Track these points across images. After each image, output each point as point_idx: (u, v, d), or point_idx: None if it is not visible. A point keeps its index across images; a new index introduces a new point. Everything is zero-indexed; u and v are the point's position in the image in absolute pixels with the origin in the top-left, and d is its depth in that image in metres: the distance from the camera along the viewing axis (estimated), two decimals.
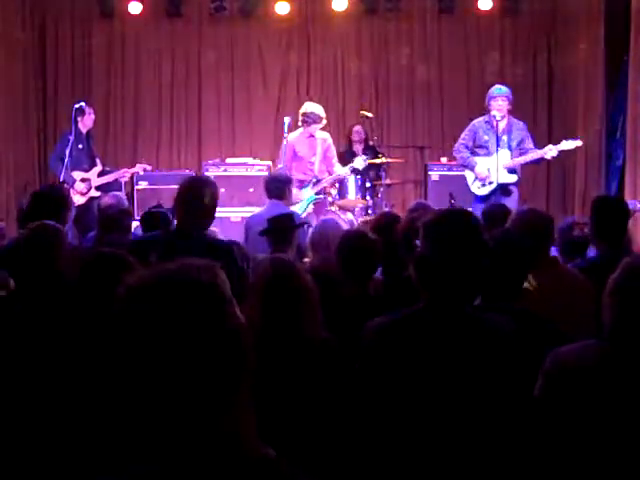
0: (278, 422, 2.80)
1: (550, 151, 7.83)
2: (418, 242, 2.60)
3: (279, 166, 8.58)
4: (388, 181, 9.38)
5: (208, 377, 1.36)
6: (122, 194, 7.24)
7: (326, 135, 8.56)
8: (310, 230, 5.38)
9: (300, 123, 8.38)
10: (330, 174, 8.46)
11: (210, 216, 4.33)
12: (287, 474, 1.39)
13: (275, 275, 3.02)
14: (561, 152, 7.96)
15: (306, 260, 5.18)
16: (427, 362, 2.47)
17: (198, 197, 4.24)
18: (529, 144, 7.99)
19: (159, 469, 1.34)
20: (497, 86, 8.14)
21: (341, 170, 8.43)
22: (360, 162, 8.42)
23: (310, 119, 8.29)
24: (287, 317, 2.96)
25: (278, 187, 6.68)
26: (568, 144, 7.90)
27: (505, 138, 7.90)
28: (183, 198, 4.29)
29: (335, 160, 8.57)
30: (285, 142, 8.45)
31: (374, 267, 4.11)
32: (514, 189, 7.98)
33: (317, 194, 8.33)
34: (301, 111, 8.38)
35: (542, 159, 7.96)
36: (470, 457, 2.42)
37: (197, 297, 1.38)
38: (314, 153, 8.40)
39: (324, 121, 8.37)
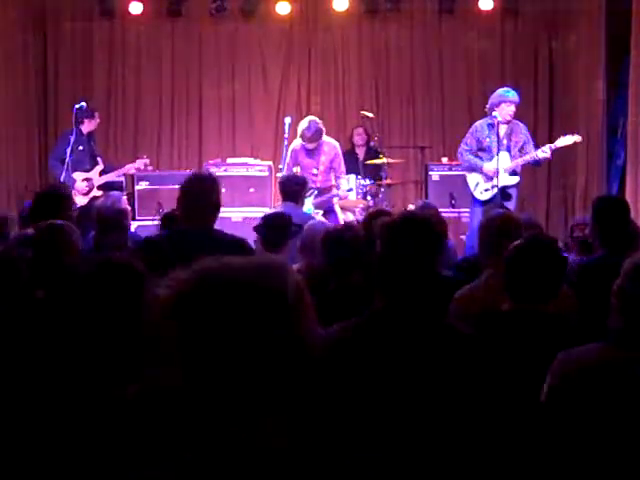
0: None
1: (543, 150, 7.76)
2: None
3: (280, 167, 8.58)
4: (389, 181, 9.38)
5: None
6: (122, 194, 7.24)
7: (334, 144, 8.39)
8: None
9: (299, 138, 8.16)
10: (336, 185, 8.37)
11: (216, 211, 4.24)
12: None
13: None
14: (559, 149, 7.93)
15: (295, 266, 5.15)
16: (388, 365, 2.41)
17: (204, 192, 4.16)
18: (530, 147, 7.96)
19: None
20: (511, 91, 7.98)
21: (343, 189, 8.30)
22: (345, 186, 8.37)
23: (314, 136, 8.05)
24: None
25: (294, 189, 6.64)
26: (566, 140, 7.83)
27: (505, 141, 7.87)
28: (189, 195, 4.21)
29: (341, 171, 8.40)
30: (286, 143, 8.43)
31: (356, 258, 4.09)
32: (514, 192, 7.97)
33: (316, 207, 8.05)
34: (301, 127, 8.10)
35: (539, 161, 7.92)
36: (434, 462, 2.37)
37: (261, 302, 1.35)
38: (316, 165, 8.21)
39: (324, 134, 8.19)
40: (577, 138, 7.88)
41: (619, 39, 9.39)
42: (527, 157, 7.85)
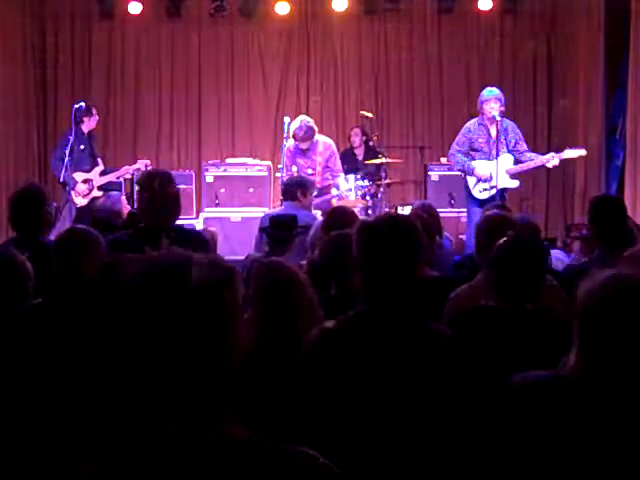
0: (279, 422, 2.80)
1: (552, 160, 7.80)
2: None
3: (279, 166, 8.58)
4: (388, 181, 9.39)
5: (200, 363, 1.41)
6: (120, 195, 7.24)
7: (329, 142, 8.39)
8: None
9: (292, 138, 8.17)
10: (334, 184, 8.39)
11: (176, 205, 4.30)
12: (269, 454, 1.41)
13: (273, 283, 3.00)
14: (563, 160, 7.97)
15: (303, 262, 5.16)
16: (368, 367, 2.44)
17: (162, 188, 4.21)
18: (522, 146, 7.96)
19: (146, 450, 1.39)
20: (488, 88, 8.05)
21: (342, 189, 8.33)
22: (345, 186, 8.41)
23: (306, 136, 8.06)
24: (286, 323, 2.95)
25: (290, 189, 6.68)
26: (572, 153, 7.87)
27: (502, 140, 7.87)
28: (147, 192, 4.26)
29: (337, 169, 8.39)
30: (285, 143, 8.43)
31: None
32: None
33: (315, 207, 7.91)
34: (292, 127, 8.11)
35: (542, 166, 7.97)
36: (414, 459, 2.39)
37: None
38: (311, 164, 8.23)
39: (316, 133, 8.19)
40: (582, 152, 7.92)
41: (619, 39, 9.39)
42: (532, 163, 7.86)
